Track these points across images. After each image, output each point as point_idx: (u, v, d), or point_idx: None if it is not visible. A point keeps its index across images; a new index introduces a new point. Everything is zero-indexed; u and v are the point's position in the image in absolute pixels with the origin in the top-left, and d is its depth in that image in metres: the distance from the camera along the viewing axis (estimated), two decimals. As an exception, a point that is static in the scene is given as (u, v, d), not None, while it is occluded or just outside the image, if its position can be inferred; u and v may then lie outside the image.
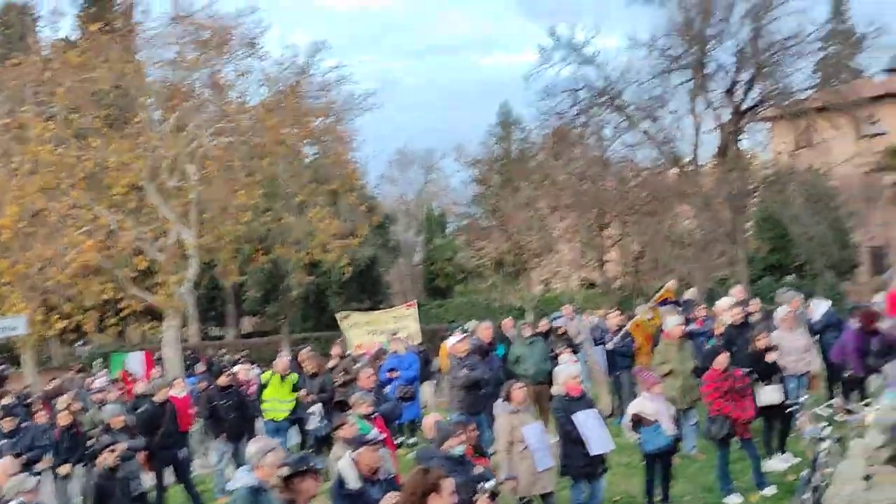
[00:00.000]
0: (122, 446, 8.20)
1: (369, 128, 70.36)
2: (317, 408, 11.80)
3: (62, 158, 23.26)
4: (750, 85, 32.01)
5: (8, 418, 11.20)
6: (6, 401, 13.88)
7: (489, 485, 5.78)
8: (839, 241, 35.10)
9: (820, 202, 31.84)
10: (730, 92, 32.02)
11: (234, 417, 11.94)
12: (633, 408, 9.41)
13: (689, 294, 16.35)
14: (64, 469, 11.31)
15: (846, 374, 12.33)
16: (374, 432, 7.52)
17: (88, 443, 10.76)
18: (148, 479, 10.67)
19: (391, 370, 13.85)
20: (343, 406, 13.67)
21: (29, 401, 16.21)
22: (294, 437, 13.79)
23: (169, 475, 11.49)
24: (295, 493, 5.45)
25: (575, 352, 14.30)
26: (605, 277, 23.77)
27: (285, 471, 5.46)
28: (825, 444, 8.51)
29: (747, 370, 10.30)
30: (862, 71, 36.44)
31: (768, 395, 10.33)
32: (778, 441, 10.69)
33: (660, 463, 9.30)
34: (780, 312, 12.34)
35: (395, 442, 11.65)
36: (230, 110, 25.38)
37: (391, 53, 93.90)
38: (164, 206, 24.26)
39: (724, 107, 32.71)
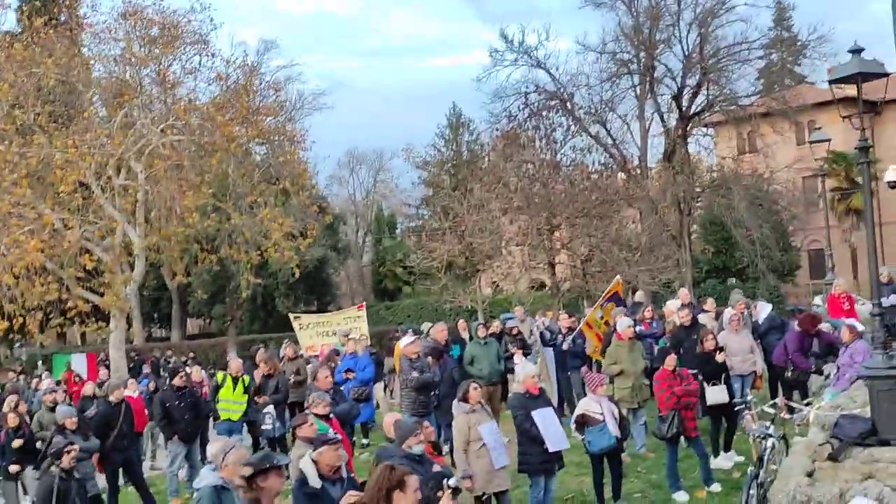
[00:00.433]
0: (76, 448, 8.12)
1: (318, 128, 70.21)
2: (270, 409, 11.82)
3: (4, 155, 22.75)
4: (696, 90, 32.72)
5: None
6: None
7: (453, 481, 5.87)
8: (781, 245, 36.00)
9: (762, 206, 32.62)
10: (677, 97, 32.67)
11: (188, 419, 11.90)
12: (579, 408, 9.59)
13: (638, 297, 16.66)
14: (14, 468, 11.13)
15: (787, 375, 12.67)
16: (332, 432, 7.58)
17: (39, 444, 10.63)
18: (101, 481, 10.56)
19: (347, 371, 13.89)
20: (298, 407, 13.75)
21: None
22: (245, 439, 13.75)
23: (121, 477, 11.38)
24: (259, 491, 5.48)
25: (527, 353, 14.54)
26: (554, 280, 24.05)
27: (248, 470, 5.48)
28: (770, 442, 8.77)
29: (694, 371, 10.57)
30: (804, 77, 37.46)
31: (715, 394, 10.60)
32: (724, 440, 10.97)
33: (608, 462, 9.49)
34: (727, 315, 12.66)
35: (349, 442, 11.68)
36: (179, 108, 25.08)
37: (341, 54, 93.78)
38: (110, 205, 23.88)
39: (671, 112, 33.40)
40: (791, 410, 10.19)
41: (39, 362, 30.65)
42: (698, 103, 33.35)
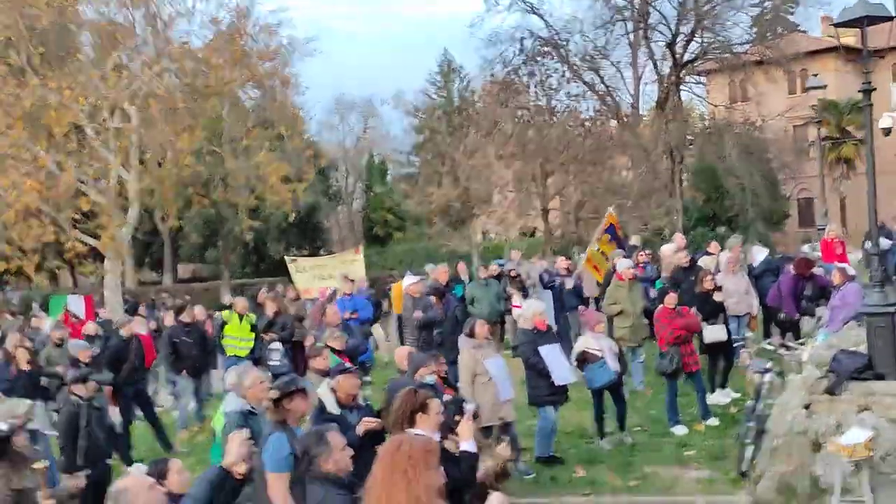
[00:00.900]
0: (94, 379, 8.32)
1: (307, 75, 69.22)
2: (278, 345, 12.05)
3: (-1, 96, 22.67)
4: (690, 37, 32.58)
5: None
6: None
7: (470, 406, 6.12)
8: (771, 193, 36.23)
9: (754, 154, 32.77)
10: (671, 44, 32.53)
11: (195, 354, 12.18)
12: (578, 346, 9.85)
13: (633, 241, 16.89)
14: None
15: (781, 317, 12.97)
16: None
17: (44, 381, 10.84)
18: (114, 415, 10.79)
19: (353, 311, 14.08)
20: (297, 346, 13.99)
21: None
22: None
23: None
24: (286, 412, 5.69)
25: (525, 294, 14.80)
26: (547, 225, 24.24)
27: (275, 393, 5.70)
28: (769, 377, 9.05)
29: (693, 309, 10.83)
30: (797, 26, 37.28)
31: (713, 333, 10.88)
32: (721, 377, 11.29)
33: (611, 396, 9.79)
34: (724, 257, 12.91)
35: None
36: (174, 51, 24.94)
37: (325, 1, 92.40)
38: (105, 148, 23.86)
39: (664, 59, 33.29)
40: (786, 349, 10.49)
41: (35, 304, 30.68)
42: (692, 50, 33.25)
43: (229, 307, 13.66)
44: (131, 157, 24.51)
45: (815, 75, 23.99)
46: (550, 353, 9.06)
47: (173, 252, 49.49)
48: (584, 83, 32.79)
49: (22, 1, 22.99)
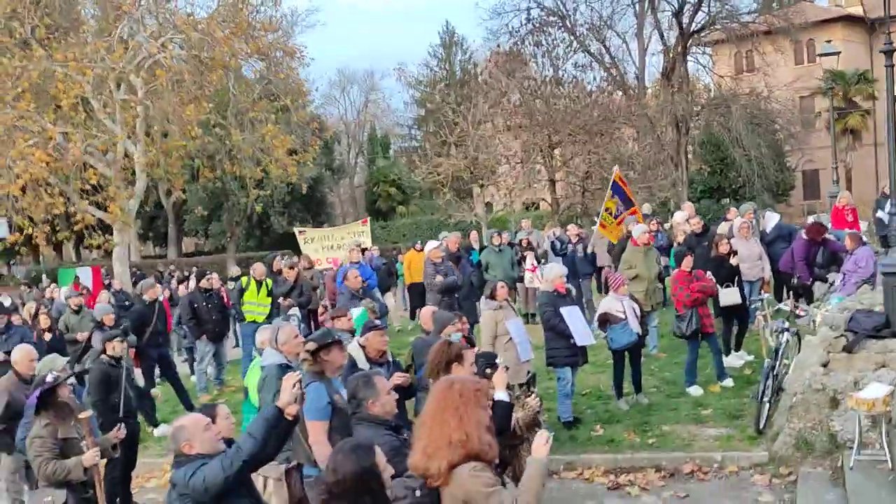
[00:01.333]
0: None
1: (309, 47, 68.72)
2: (295, 311, 12.19)
3: (5, 68, 22.64)
4: (697, 6, 32.49)
5: (-2, 313, 11.25)
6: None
7: (500, 359, 6.23)
8: (777, 164, 36.27)
9: (760, 125, 32.75)
10: (678, 13, 32.45)
11: (215, 319, 12.32)
12: (602, 307, 9.96)
13: (645, 209, 16.96)
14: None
15: (793, 282, 13.06)
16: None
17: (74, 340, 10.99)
18: (138, 377, 10.93)
19: (365, 280, 14.18)
20: (311, 312, 14.13)
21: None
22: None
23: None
24: (323, 363, 5.81)
25: (538, 261, 14.91)
26: (553, 196, 24.30)
27: (312, 345, 5.81)
28: (786, 336, 9.17)
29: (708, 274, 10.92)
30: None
31: (728, 296, 10.98)
32: (735, 340, 11.40)
33: (630, 358, 9.91)
34: (737, 222, 13.00)
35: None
36: (180, 22, 24.88)
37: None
38: (110, 120, 23.88)
39: (671, 29, 33.23)
40: (800, 312, 10.61)
41: (43, 276, 30.88)
42: (699, 20, 33.20)
43: (236, 278, 13.81)
44: (138, 130, 24.52)
45: (829, 41, 23.84)
46: (571, 314, 9.16)
47: (178, 226, 49.61)
48: (590, 54, 32.78)
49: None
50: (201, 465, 4.10)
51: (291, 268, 12.97)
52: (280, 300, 12.53)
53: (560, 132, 23.65)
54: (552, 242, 14.96)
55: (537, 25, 30.55)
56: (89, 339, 10.39)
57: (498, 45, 30.83)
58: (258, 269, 12.69)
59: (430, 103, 59.72)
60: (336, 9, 75.91)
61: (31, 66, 22.84)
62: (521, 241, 15.10)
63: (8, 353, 10.23)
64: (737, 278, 11.23)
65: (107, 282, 23.69)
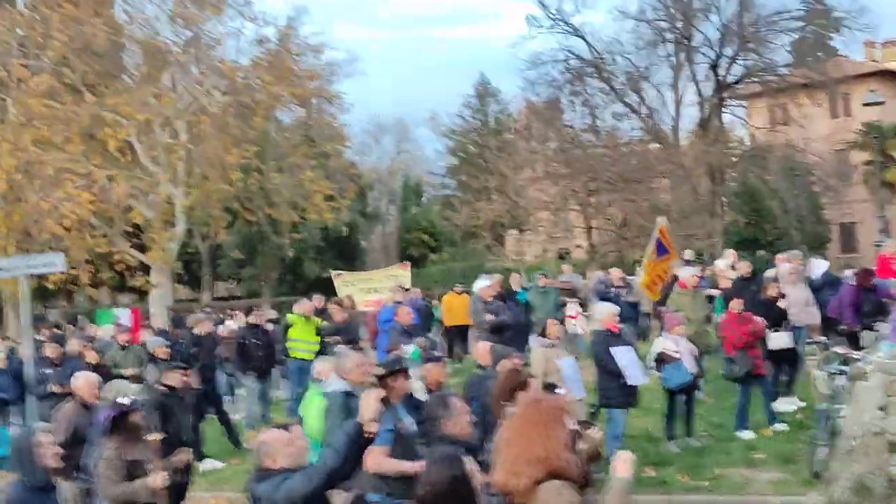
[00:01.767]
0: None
1: (347, 94, 69.75)
2: (343, 348, 12.21)
3: (55, 112, 23.26)
4: (734, 59, 32.68)
5: (54, 345, 11.41)
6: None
7: (562, 390, 6.24)
8: (814, 216, 36.07)
9: (798, 176, 32.67)
10: (714, 66, 32.65)
11: (262, 355, 12.40)
12: (657, 346, 9.92)
13: (687, 255, 16.93)
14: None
15: (841, 328, 12.93)
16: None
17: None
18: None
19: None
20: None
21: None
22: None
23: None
24: (389, 390, 5.84)
25: (582, 306, 14.93)
26: (591, 241, 24.36)
27: (381, 371, 5.86)
28: (841, 379, 9.07)
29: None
30: (837, 51, 37.20)
31: (778, 340, 10.90)
32: (786, 385, 11.29)
33: (682, 399, 9.84)
34: (785, 268, 12.94)
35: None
36: (226, 68, 25.48)
37: (357, 24, 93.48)
38: (153, 163, 24.38)
39: (707, 80, 33.40)
40: (851, 358, 10.48)
41: (79, 317, 31.22)
42: (735, 73, 33.36)
43: (275, 321, 13.92)
44: (179, 173, 25.01)
45: (873, 90, 23.83)
46: (624, 354, 9.14)
47: (212, 269, 50.02)
48: (626, 104, 33.00)
49: (80, 20, 23.64)
50: (285, 479, 4.13)
51: (340, 305, 13.07)
52: (327, 338, 12.60)
53: (598, 179, 23.78)
54: (597, 286, 14.96)
55: (575, 75, 30.90)
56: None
57: (537, 94, 31.22)
58: (306, 305, 12.78)
59: (463, 153, 60.29)
60: (371, 58, 77.26)
61: (80, 111, 23.46)
62: (563, 284, 15.13)
63: (61, 384, 10.44)
64: (786, 322, 11.16)
65: (144, 323, 23.94)
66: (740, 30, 31.62)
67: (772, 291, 11.09)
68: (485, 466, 4.34)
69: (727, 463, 9.30)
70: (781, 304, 11.05)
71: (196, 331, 11.81)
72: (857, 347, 12.81)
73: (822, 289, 13.88)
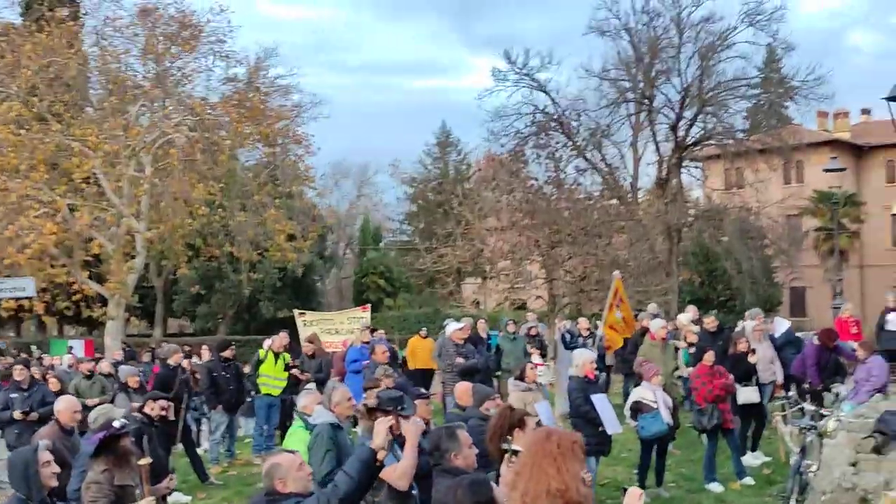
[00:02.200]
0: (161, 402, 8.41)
1: (314, 136, 69.81)
2: (312, 386, 12.12)
3: (22, 140, 22.99)
4: (693, 121, 33.48)
5: (21, 368, 11.16)
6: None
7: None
8: (765, 279, 36.82)
9: (753, 238, 33.37)
10: (674, 127, 33.41)
11: (232, 389, 12.25)
12: (634, 395, 10.04)
13: (653, 308, 17.18)
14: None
15: (804, 387, 13.20)
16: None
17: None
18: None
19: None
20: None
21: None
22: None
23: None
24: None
25: (544, 354, 15.06)
26: (551, 293, 24.46)
27: (374, 401, 5.87)
28: (813, 435, 9.25)
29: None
30: (791, 119, 38.36)
31: (747, 394, 11.11)
32: (752, 439, 11.47)
33: (656, 449, 9.94)
34: (750, 325, 13.21)
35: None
36: (196, 105, 25.44)
37: (322, 70, 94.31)
38: (115, 196, 24.14)
39: (667, 141, 34.14)
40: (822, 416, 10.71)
41: (34, 347, 30.54)
42: (694, 134, 34.15)
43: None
44: (142, 206, 24.81)
45: (834, 157, 24.62)
46: (601, 402, 9.24)
47: (166, 305, 49.33)
48: (587, 160, 33.52)
49: (54, 50, 23.54)
50: (297, 503, 4.13)
51: (311, 342, 13.00)
52: (298, 373, 12.51)
53: (561, 232, 24.01)
54: (563, 335, 15.10)
55: (540, 128, 31.40)
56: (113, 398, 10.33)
57: (501, 145, 31.62)
58: (277, 341, 12.69)
59: (423, 200, 60.64)
60: (334, 102, 77.86)
61: (47, 139, 23.21)
62: (529, 330, 15.24)
63: (27, 412, 10.21)
64: (755, 377, 11.38)
65: (98, 356, 23.49)
66: (700, 93, 32.44)
67: (741, 346, 11.32)
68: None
69: (698, 514, 9.40)
70: (751, 359, 11.27)
71: (170, 361, 11.65)
72: (821, 406, 13.12)
73: (783, 347, 14.20)
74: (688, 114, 33.58)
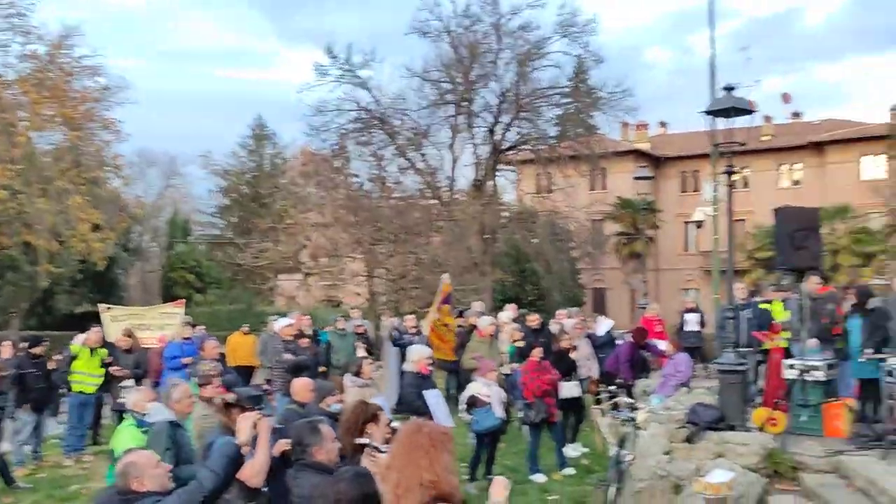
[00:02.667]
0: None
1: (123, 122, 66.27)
2: (130, 382, 11.55)
3: None
4: (509, 126, 34.55)
5: None
6: None
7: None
8: (571, 280, 38.54)
9: (562, 241, 34.82)
10: (491, 131, 34.35)
11: (40, 388, 11.41)
12: (469, 390, 10.21)
13: (479, 307, 17.56)
14: None
15: (618, 381, 13.93)
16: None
17: None
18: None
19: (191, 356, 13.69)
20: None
21: None
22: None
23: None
24: (232, 421, 5.64)
25: (370, 350, 15.06)
26: (371, 289, 24.60)
27: (231, 397, 5.66)
28: (631, 427, 9.76)
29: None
30: (597, 129, 40.37)
31: (568, 389, 11.56)
32: (571, 432, 11.96)
33: (487, 442, 10.16)
34: (569, 323, 13.79)
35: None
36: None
37: (127, 53, 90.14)
38: None
39: (484, 144, 35.03)
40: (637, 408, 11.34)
41: None
42: (510, 139, 35.23)
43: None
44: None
45: (644, 166, 26.05)
46: (433, 397, 9.33)
47: (-53, 298, 45.37)
48: (408, 160, 33.87)
49: None
50: (157, 502, 3.91)
51: (129, 336, 12.34)
52: (113, 370, 11.84)
53: (383, 230, 24.21)
54: (391, 332, 15.16)
55: (363, 125, 31.40)
56: None
57: (323, 140, 31.31)
58: (92, 336, 11.96)
59: (236, 193, 59.03)
60: (142, 88, 74.25)
61: None
62: (356, 327, 15.19)
63: None
64: (575, 372, 11.88)
65: None
66: (517, 99, 33.52)
67: (564, 343, 11.76)
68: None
69: (525, 504, 9.69)
70: (574, 355, 11.75)
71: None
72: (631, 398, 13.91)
73: (604, 345, 14.96)
74: (505, 118, 34.62)
